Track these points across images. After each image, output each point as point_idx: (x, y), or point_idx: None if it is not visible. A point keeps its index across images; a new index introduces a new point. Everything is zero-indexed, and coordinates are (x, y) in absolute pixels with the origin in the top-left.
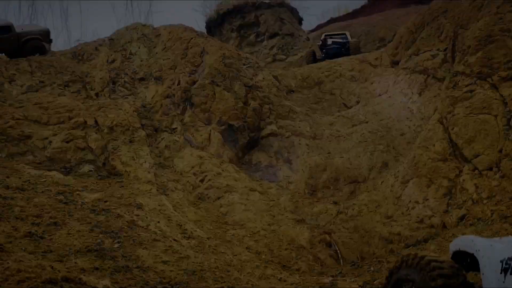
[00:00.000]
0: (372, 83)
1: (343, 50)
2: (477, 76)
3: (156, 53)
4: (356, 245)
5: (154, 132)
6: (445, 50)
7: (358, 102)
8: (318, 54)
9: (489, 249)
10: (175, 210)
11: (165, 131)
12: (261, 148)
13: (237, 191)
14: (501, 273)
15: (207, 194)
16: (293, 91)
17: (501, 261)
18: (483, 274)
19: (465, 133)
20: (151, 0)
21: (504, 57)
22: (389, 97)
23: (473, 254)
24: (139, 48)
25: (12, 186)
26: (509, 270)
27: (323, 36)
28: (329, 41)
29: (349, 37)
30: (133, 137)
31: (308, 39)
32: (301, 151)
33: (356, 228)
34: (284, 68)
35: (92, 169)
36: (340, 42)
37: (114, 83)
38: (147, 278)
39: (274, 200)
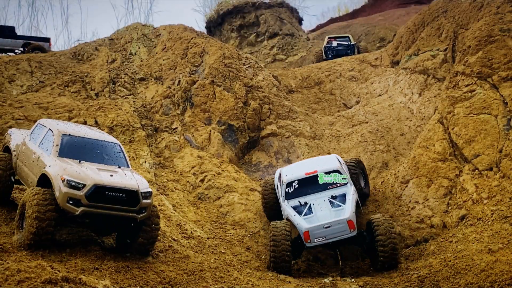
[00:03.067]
0: (372, 83)
1: (348, 51)
2: (477, 76)
3: (156, 53)
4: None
5: (154, 132)
6: (445, 50)
7: (358, 102)
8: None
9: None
10: (175, 210)
11: (165, 131)
12: (261, 148)
13: (237, 191)
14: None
15: (207, 194)
16: (293, 91)
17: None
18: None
19: (465, 133)
20: (152, 0)
21: (504, 57)
22: (389, 97)
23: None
24: (139, 48)
25: None
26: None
27: (327, 38)
28: (335, 43)
29: (351, 39)
30: (133, 137)
31: (308, 39)
32: (301, 151)
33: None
34: (284, 68)
35: None
36: (345, 44)
37: (114, 83)
38: (147, 278)
39: None
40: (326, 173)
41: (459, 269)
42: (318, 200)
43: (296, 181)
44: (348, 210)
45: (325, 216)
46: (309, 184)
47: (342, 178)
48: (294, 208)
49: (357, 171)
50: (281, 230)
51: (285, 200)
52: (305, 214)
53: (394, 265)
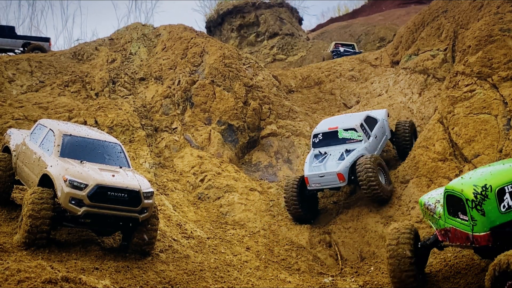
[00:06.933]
0: (372, 83)
1: None
2: (477, 76)
3: (156, 53)
4: (356, 245)
5: (154, 132)
6: (445, 50)
7: (358, 102)
8: None
9: None
10: (175, 210)
11: (165, 131)
12: (261, 148)
13: (237, 191)
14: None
15: (207, 194)
16: (293, 91)
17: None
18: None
19: (465, 133)
20: (152, 0)
21: (504, 57)
22: (389, 97)
23: None
24: (139, 48)
25: None
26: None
27: (333, 44)
28: (342, 49)
29: (356, 48)
30: (133, 137)
31: (308, 39)
32: (301, 151)
33: (356, 228)
34: (284, 68)
35: None
36: (351, 51)
37: (114, 83)
38: (147, 278)
39: (274, 200)
40: (345, 129)
41: (459, 269)
42: (335, 152)
43: (321, 134)
44: (341, 165)
45: (330, 166)
46: (331, 137)
47: (358, 136)
48: (315, 155)
49: (409, 131)
50: (290, 184)
51: (312, 148)
52: (317, 162)
53: (380, 202)
